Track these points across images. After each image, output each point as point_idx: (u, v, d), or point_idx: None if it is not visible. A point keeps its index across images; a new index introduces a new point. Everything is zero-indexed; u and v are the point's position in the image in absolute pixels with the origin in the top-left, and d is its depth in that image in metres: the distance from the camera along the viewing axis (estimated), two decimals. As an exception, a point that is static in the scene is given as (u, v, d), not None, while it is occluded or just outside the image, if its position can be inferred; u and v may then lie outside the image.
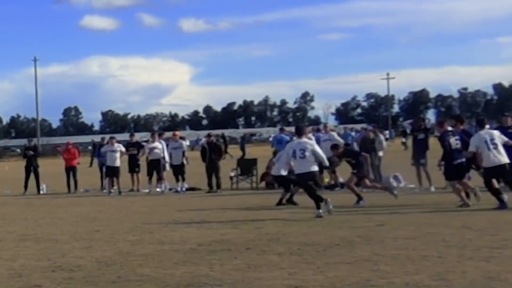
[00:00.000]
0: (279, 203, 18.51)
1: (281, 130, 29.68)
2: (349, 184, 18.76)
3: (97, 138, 73.73)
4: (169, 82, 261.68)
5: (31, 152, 29.64)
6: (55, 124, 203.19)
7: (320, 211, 15.58)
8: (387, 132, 75.57)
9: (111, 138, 28.99)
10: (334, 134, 27.37)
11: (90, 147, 73.69)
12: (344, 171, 21.93)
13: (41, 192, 28.38)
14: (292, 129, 23.08)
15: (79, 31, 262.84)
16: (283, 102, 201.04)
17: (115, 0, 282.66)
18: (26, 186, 28.77)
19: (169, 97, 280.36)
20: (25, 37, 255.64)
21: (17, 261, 11.55)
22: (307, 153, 16.13)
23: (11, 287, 9.64)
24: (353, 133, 39.65)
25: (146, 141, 31.94)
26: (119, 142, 28.35)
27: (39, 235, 14.87)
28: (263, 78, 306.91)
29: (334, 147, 19.56)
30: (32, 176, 28.89)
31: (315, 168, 16.58)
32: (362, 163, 18.79)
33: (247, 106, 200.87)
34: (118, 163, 26.70)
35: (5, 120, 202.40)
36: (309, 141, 17.53)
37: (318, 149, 16.68)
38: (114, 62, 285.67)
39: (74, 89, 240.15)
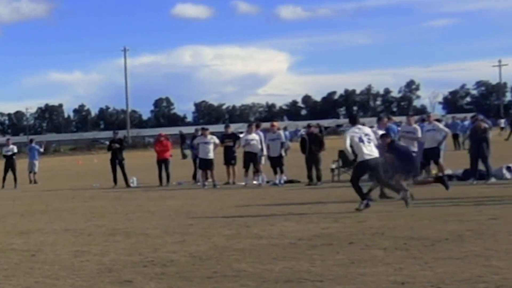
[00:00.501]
0: (381, 195, 18.22)
1: (389, 119, 29.13)
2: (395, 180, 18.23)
3: (186, 130, 74.51)
4: (266, 71, 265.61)
5: (116, 145, 30.26)
6: (146, 115, 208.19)
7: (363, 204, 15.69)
8: (502, 120, 73.91)
9: (204, 129, 28.86)
10: (439, 124, 26.86)
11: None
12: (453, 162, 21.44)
13: (131, 185, 28.96)
14: (398, 118, 22.76)
15: (171, 20, 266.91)
16: (387, 91, 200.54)
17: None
18: (115, 180, 29.38)
19: (266, 87, 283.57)
20: (114, 27, 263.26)
21: (107, 256, 11.71)
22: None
23: (101, 282, 9.73)
24: (466, 123, 38.76)
25: (242, 133, 31.98)
26: (213, 133, 28.46)
27: (130, 229, 15.08)
28: (365, 66, 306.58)
29: (383, 136, 19.14)
30: (118, 169, 29.59)
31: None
32: (409, 159, 18.43)
33: (348, 96, 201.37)
34: (211, 155, 26.69)
35: (94, 111, 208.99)
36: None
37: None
38: (208, 51, 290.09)
39: (166, 79, 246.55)
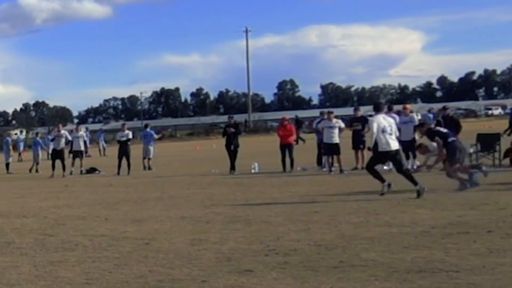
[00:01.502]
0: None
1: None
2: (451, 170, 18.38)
3: (311, 113, 73.98)
4: (398, 51, 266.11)
5: (232, 130, 30.67)
6: (268, 98, 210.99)
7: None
8: None
9: (329, 112, 29.03)
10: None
11: (307, 123, 74.69)
12: None
13: (253, 171, 29.33)
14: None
15: None
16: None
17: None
18: (232, 166, 29.88)
19: (397, 67, 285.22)
20: (235, 7, 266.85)
21: (226, 244, 11.92)
22: None
23: (220, 271, 9.91)
24: None
25: (371, 115, 31.83)
26: (341, 117, 28.58)
27: (250, 216, 15.27)
28: (506, 44, 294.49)
29: (419, 125, 18.93)
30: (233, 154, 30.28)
31: None
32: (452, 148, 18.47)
33: (488, 76, 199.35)
34: (336, 139, 26.87)
35: (213, 95, 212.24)
36: None
37: None
38: (335, 31, 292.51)
39: (290, 61, 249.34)
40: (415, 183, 16.73)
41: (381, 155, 17.99)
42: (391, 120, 18.05)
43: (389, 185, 17.31)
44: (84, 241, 13.25)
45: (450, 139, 18.83)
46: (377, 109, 18.28)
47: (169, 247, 11.97)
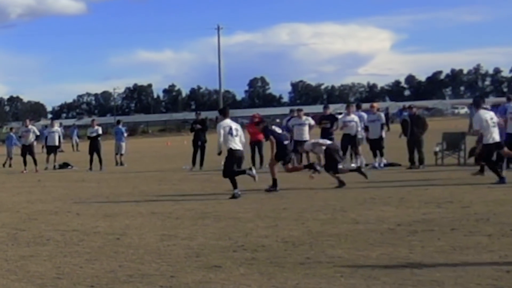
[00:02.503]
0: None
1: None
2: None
3: (282, 110, 73.83)
4: (367, 50, 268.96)
5: (198, 126, 30.79)
6: (240, 96, 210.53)
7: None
8: None
9: (299, 110, 29.23)
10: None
11: (278, 120, 74.40)
12: None
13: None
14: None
15: None
16: (497, 71, 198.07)
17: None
18: (194, 162, 29.86)
19: (367, 66, 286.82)
20: (207, 5, 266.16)
21: (195, 240, 11.93)
22: None
23: (188, 267, 9.90)
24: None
25: (341, 114, 32.15)
26: (307, 114, 28.72)
27: (220, 213, 15.29)
28: (473, 45, 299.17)
29: (257, 123, 19.60)
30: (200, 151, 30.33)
31: None
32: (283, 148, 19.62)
33: (455, 76, 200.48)
34: (306, 137, 26.99)
35: (185, 92, 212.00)
36: None
37: None
38: (306, 29, 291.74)
39: (261, 58, 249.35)
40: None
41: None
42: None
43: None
44: (56, 236, 13.21)
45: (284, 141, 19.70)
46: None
47: (139, 243, 11.97)
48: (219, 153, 19.01)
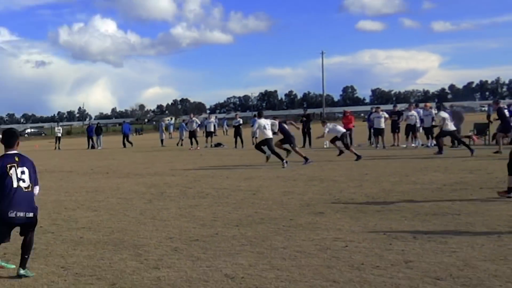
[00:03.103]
0: None
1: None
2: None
3: (364, 108, 72.89)
4: (423, 67, 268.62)
5: (304, 119, 30.44)
6: (336, 98, 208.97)
7: None
8: None
9: (377, 107, 30.12)
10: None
11: (362, 115, 73.87)
12: None
13: (325, 146, 28.92)
14: None
15: (355, 32, 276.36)
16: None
17: (383, 9, 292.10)
18: (304, 143, 29.39)
19: (422, 78, 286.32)
20: (315, 37, 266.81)
21: (306, 195, 12.02)
22: None
23: (302, 213, 10.07)
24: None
25: (404, 110, 31.97)
26: (382, 111, 28.95)
27: (323, 177, 15.28)
28: (495, 64, 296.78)
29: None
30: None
31: None
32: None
33: (482, 85, 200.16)
34: (382, 125, 26.99)
35: (299, 95, 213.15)
36: None
37: None
38: (381, 54, 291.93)
39: (351, 73, 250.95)
40: None
41: None
42: None
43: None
44: (212, 192, 13.38)
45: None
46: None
47: (268, 196, 12.09)
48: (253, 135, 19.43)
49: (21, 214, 6.55)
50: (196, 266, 6.93)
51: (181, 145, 38.48)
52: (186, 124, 39.40)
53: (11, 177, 6.59)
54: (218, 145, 35.43)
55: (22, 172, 6.73)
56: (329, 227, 8.82)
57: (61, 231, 9.38)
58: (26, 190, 6.78)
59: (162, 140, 39.96)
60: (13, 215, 6.61)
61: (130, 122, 69.18)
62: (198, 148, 33.31)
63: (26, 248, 6.96)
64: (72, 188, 15.29)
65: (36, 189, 7.01)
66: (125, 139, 41.03)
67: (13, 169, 6.75)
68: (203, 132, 37.63)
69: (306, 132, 30.15)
